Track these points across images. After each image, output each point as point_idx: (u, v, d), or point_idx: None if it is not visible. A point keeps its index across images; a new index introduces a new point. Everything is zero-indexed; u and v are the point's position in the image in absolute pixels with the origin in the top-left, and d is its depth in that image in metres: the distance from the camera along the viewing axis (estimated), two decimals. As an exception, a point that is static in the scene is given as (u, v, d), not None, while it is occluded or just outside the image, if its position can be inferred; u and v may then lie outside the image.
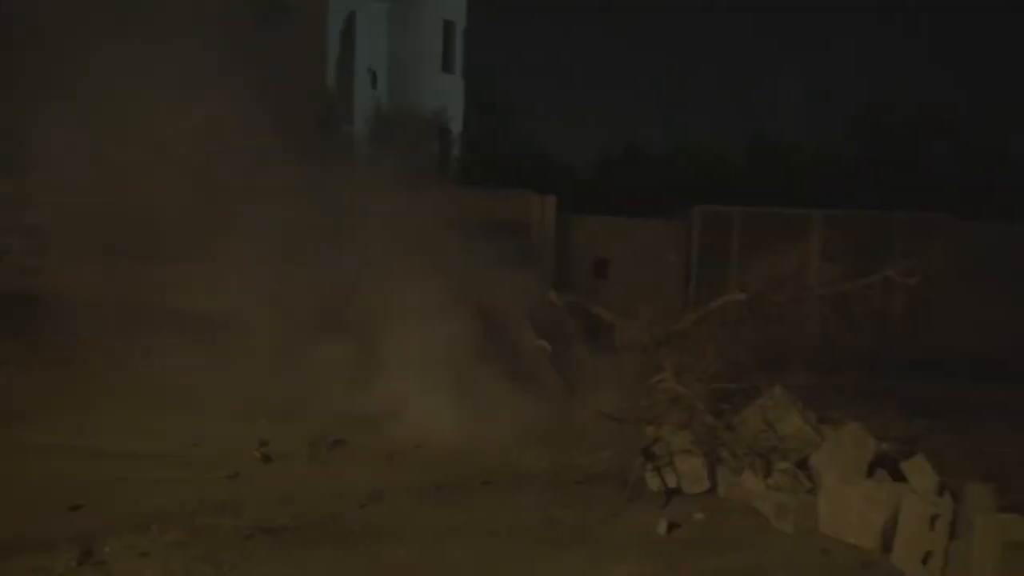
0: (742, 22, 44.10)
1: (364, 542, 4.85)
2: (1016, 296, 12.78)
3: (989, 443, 7.70)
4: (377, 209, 8.23)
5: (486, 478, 6.07)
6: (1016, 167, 19.43)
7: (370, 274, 7.74)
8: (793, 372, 7.23)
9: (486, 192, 13.64)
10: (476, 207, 11.35)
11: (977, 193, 16.67)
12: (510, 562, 4.69)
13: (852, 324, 7.83)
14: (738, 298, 7.41)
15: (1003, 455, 7.18)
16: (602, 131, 40.97)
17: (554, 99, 40.58)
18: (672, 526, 5.26)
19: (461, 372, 7.14)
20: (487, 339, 7.79)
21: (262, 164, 8.11)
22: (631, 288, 11.87)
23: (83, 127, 7.79)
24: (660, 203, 15.31)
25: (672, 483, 5.94)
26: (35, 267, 10.20)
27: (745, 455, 5.79)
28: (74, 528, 4.74)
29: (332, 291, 7.62)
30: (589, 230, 14.07)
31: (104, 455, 6.15)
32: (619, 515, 5.47)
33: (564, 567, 4.65)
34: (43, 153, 7.93)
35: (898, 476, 5.29)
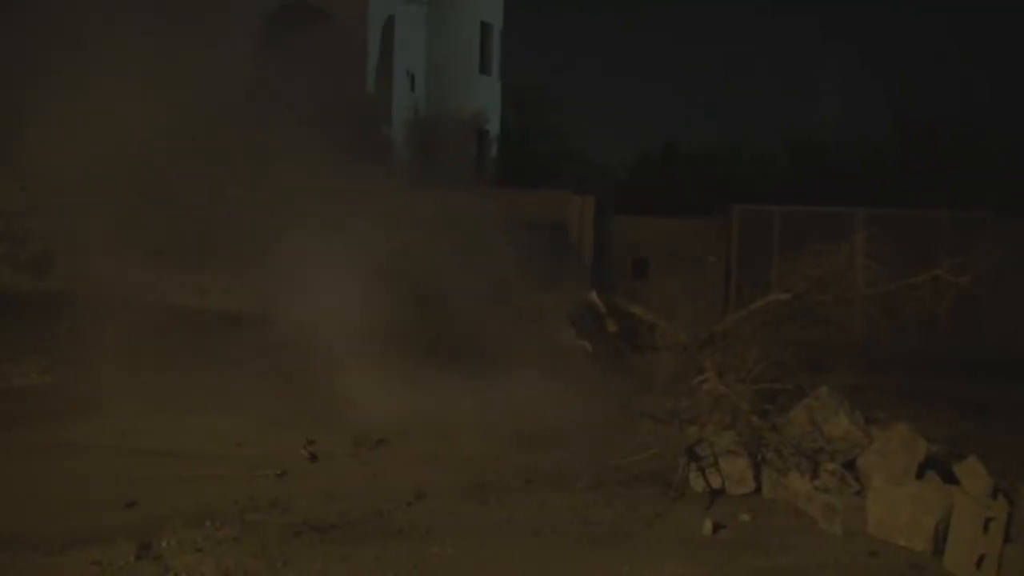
0: (782, 19, 43.61)
1: (410, 540, 4.90)
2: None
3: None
4: (416, 210, 8.29)
5: (528, 478, 6.10)
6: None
7: (405, 275, 7.78)
8: (839, 372, 7.15)
9: (524, 193, 13.69)
10: (514, 208, 11.39)
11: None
12: (553, 562, 4.70)
13: (898, 324, 7.70)
14: (782, 298, 7.35)
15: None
16: (640, 130, 40.79)
17: (591, 99, 40.50)
18: (717, 527, 5.23)
19: (502, 374, 7.17)
20: (526, 340, 7.82)
21: (302, 165, 8.22)
22: (670, 288, 11.80)
23: (120, 126, 7.91)
24: (699, 202, 15.20)
25: (716, 484, 5.91)
26: (81, 269, 10.42)
27: (791, 456, 5.74)
28: (130, 524, 4.86)
29: (366, 293, 7.66)
30: (628, 230, 14.04)
31: (154, 454, 6.29)
32: (663, 516, 5.45)
33: (608, 568, 4.64)
34: (81, 154, 8.06)
35: (948, 478, 5.20)
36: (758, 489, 5.91)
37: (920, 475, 5.24)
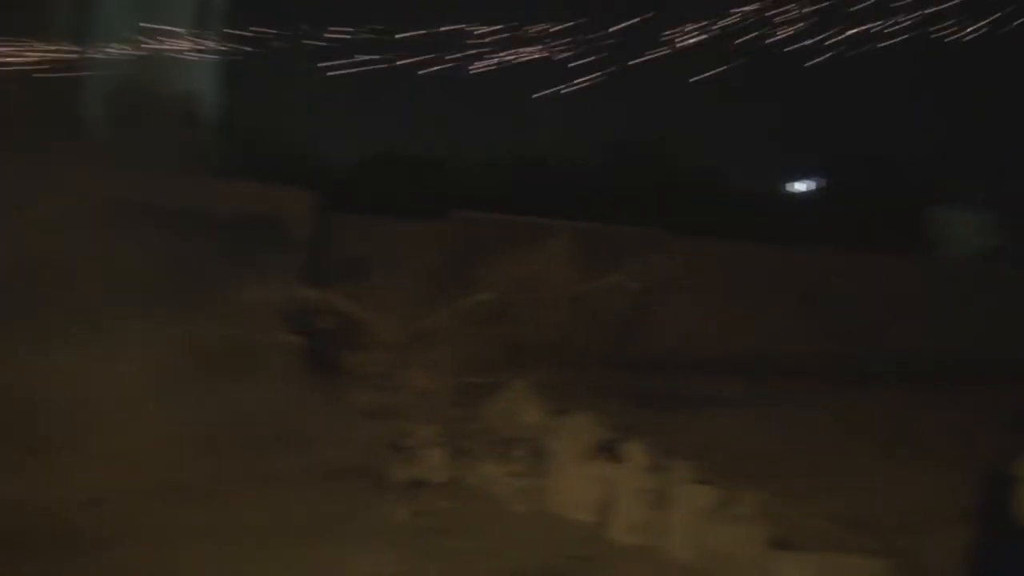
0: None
1: (86, 548, 4.50)
2: (726, 303, 14.62)
3: (699, 428, 8.76)
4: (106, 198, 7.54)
5: (230, 477, 5.86)
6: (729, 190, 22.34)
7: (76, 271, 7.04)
8: (535, 368, 7.75)
9: (241, 184, 13.04)
10: (229, 199, 10.86)
11: (700, 212, 18.83)
12: (251, 561, 4.58)
13: (590, 325, 8.57)
14: (486, 298, 7.83)
15: (710, 438, 8.22)
16: (365, 130, 40.73)
17: (320, 93, 39.62)
18: (417, 515, 5.43)
19: (201, 371, 6.81)
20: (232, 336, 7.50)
21: None
22: (387, 287, 11.98)
23: None
24: (422, 206, 15.54)
25: (419, 474, 6.13)
26: None
27: (487, 445, 6.13)
28: None
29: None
30: (348, 228, 13.94)
31: None
32: (366, 508, 5.55)
33: (307, 562, 4.64)
34: None
35: (620, 459, 5.89)
36: (457, 477, 6.22)
37: (597, 458, 5.87)
